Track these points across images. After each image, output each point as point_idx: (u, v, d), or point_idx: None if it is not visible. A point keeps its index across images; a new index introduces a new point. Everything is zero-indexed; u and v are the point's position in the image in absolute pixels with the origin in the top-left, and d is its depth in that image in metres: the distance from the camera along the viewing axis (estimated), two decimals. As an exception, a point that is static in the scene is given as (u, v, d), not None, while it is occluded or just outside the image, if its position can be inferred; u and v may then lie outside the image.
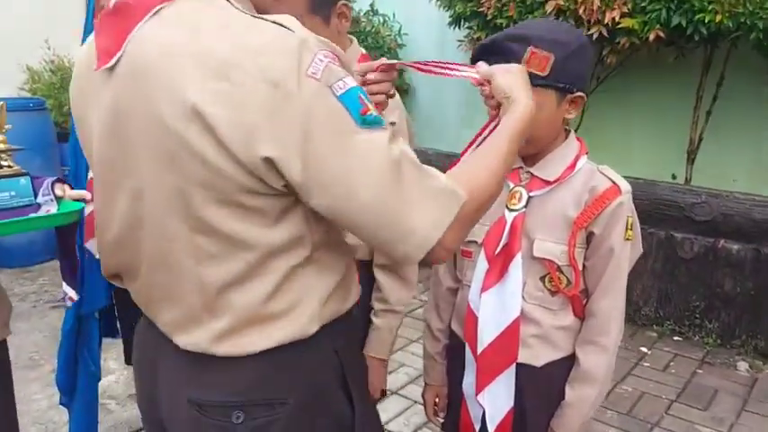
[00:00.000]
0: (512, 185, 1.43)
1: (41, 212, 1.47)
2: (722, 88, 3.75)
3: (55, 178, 1.55)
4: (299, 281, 0.96)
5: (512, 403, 1.45)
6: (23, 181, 1.46)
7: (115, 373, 3.05)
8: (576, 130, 1.46)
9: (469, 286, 1.47)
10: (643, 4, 3.33)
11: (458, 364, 1.52)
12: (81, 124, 1.06)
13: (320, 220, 0.95)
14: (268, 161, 0.84)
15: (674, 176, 4.08)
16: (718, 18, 3.10)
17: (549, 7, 3.53)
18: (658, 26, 3.29)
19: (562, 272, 1.44)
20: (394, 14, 5.14)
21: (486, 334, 1.44)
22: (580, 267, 1.44)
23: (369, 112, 0.86)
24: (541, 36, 1.28)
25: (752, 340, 3.45)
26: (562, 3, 3.49)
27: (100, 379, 2.17)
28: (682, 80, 3.87)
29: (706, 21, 3.14)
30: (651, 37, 3.31)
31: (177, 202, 0.90)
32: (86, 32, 2.05)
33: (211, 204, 0.89)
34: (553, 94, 1.32)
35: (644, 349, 3.52)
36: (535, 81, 1.22)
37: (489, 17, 3.79)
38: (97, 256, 1.84)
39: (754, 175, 3.81)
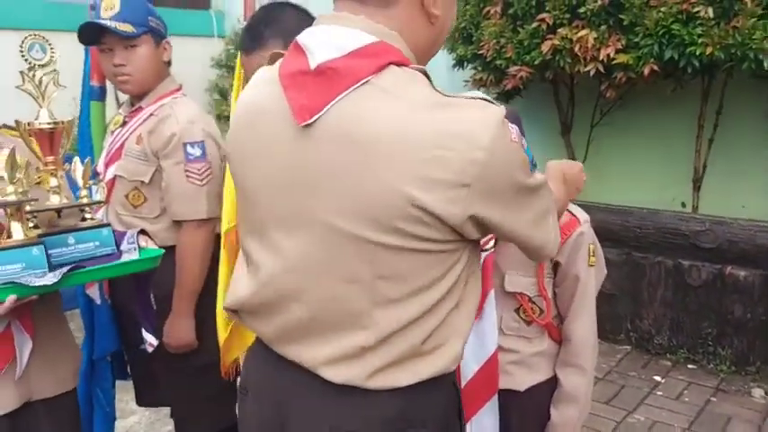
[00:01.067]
0: None
1: (123, 259, 1.51)
2: (722, 116, 3.79)
3: (140, 229, 1.61)
4: (451, 322, 1.04)
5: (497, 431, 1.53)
6: (105, 232, 1.51)
7: (137, 414, 3.15)
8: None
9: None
10: (636, 40, 3.39)
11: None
12: (241, 163, 1.09)
13: (474, 260, 1.06)
14: (474, 218, 0.95)
15: (683, 204, 4.11)
16: (709, 50, 3.16)
17: (545, 47, 3.63)
18: (652, 60, 3.36)
19: (534, 302, 1.54)
20: (403, 58, 5.28)
21: (468, 369, 1.53)
22: (550, 296, 1.54)
23: (534, 160, 1.05)
24: None
25: (766, 366, 3.43)
26: (558, 42, 3.58)
27: (115, 419, 2.27)
28: (682, 110, 3.92)
29: (697, 53, 3.21)
30: (646, 71, 3.37)
31: (367, 250, 0.96)
32: (84, 94, 2.16)
33: (402, 253, 0.95)
34: None
35: (657, 378, 3.51)
36: None
37: (489, 59, 3.90)
38: (98, 302, 1.97)
39: (761, 200, 3.83)
